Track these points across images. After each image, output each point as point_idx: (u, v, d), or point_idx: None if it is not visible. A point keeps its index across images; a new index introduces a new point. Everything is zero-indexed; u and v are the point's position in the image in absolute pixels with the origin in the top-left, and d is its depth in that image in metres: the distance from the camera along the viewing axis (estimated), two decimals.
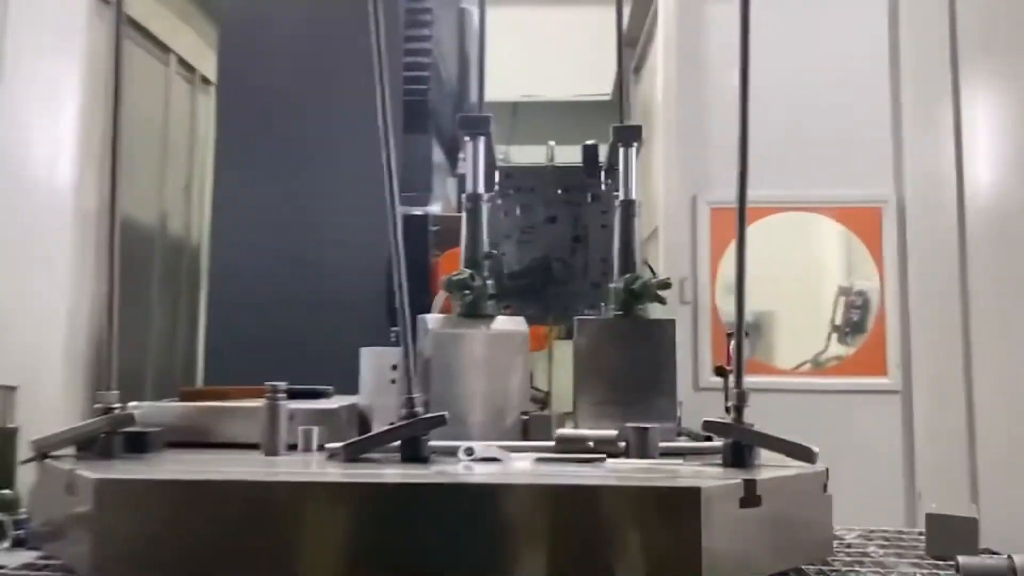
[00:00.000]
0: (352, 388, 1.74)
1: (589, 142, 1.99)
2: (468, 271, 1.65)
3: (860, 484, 2.80)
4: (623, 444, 1.39)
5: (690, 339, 2.84)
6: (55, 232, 2.77)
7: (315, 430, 1.52)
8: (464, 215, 1.74)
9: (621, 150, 1.82)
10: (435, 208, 2.67)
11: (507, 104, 5.23)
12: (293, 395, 1.79)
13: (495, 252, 1.75)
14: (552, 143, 2.04)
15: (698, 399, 2.68)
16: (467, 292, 1.64)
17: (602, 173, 2.00)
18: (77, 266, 2.87)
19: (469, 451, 1.38)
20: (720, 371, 1.92)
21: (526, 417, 1.71)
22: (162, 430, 1.50)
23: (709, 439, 1.72)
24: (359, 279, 2.54)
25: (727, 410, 1.94)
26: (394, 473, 1.29)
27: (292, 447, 1.50)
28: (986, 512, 2.79)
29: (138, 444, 1.44)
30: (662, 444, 1.43)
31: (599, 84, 4.52)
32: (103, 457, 1.36)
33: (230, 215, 2.86)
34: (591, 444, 1.39)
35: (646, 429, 1.37)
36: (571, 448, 1.39)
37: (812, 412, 2.81)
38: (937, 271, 2.85)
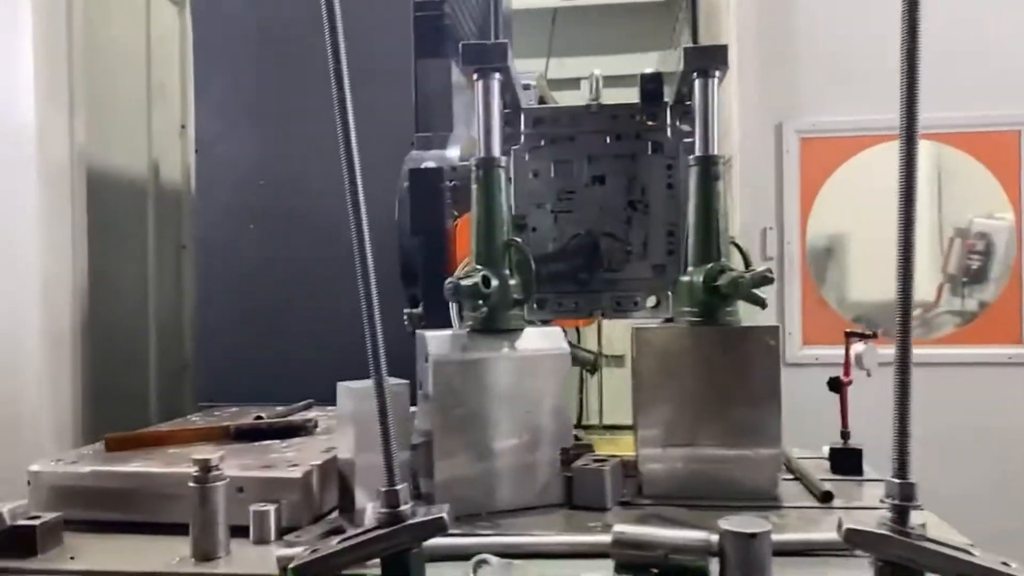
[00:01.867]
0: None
1: (648, 70, 1.43)
2: (481, 272, 1.15)
3: (989, 478, 2.30)
4: (715, 540, 0.92)
5: (775, 303, 2.31)
6: (18, 189, 2.35)
7: (271, 511, 1.08)
8: (474, 189, 1.24)
9: (697, 83, 1.27)
10: (453, 152, 2.13)
11: (546, 10, 4.58)
12: (257, 434, 1.36)
13: (517, 241, 1.24)
14: (597, 72, 1.47)
15: (786, 377, 2.17)
16: (480, 303, 1.15)
17: (667, 113, 1.45)
18: (51, 229, 2.47)
19: (482, 562, 0.93)
20: (836, 385, 1.43)
21: (567, 456, 1.26)
22: (58, 519, 1.08)
23: (826, 496, 1.25)
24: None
25: (843, 436, 1.46)
26: None
27: (244, 530, 1.08)
28: None
29: (22, 542, 1.03)
30: (777, 538, 0.95)
31: None
32: None
33: (213, 163, 2.40)
34: (663, 555, 0.91)
35: (752, 536, 0.89)
36: (635, 560, 0.92)
37: (925, 390, 2.27)
38: None
